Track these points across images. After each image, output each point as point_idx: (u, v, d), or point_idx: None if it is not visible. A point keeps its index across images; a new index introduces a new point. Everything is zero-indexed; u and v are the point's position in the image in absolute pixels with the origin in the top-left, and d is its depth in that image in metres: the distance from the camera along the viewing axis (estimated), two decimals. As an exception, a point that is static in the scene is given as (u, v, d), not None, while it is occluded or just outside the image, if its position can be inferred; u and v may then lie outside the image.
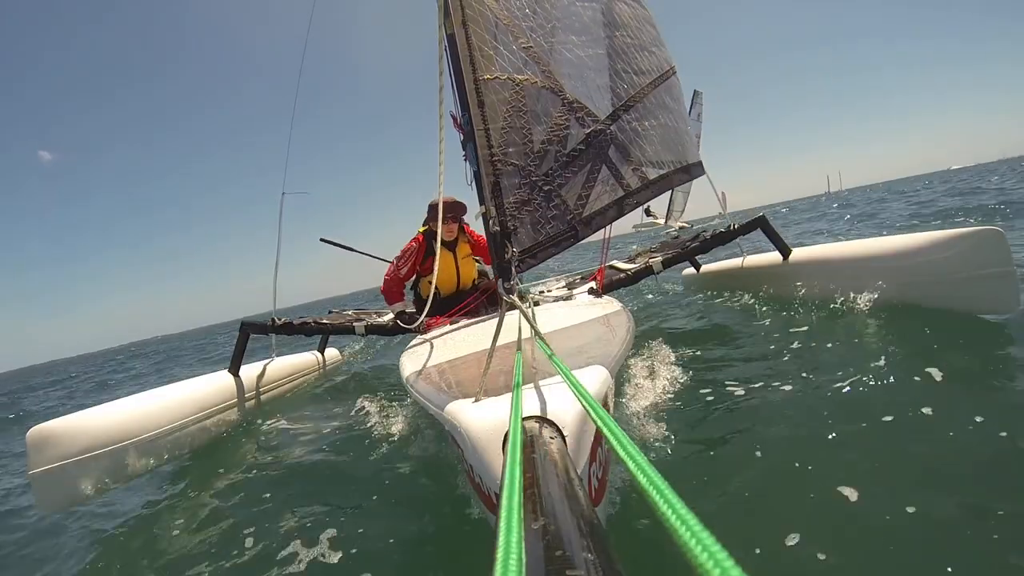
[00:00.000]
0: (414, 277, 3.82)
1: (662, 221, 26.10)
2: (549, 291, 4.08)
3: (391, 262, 3.82)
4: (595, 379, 1.21)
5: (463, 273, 3.91)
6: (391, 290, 3.73)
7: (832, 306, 3.19)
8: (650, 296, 5.83)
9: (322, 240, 4.79)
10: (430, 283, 3.82)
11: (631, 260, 4.72)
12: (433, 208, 3.42)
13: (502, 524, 0.49)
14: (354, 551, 1.84)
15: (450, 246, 3.83)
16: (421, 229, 3.74)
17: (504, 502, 0.53)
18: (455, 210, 3.60)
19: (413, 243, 3.72)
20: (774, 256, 3.74)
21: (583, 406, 0.80)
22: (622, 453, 0.57)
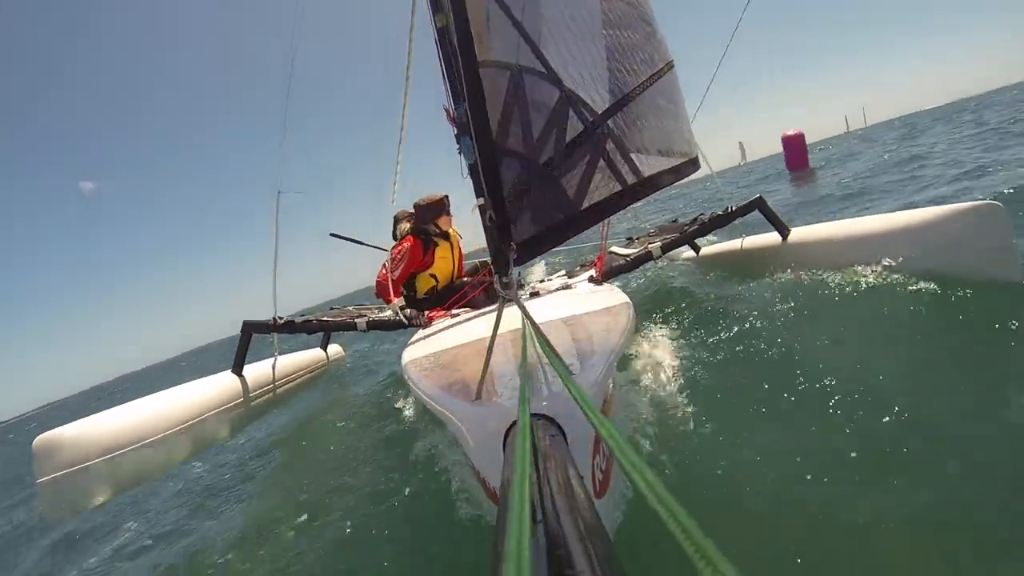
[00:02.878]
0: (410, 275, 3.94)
1: None
2: (549, 280, 4.08)
3: (383, 264, 3.93)
4: (595, 372, 1.21)
5: (458, 262, 4.13)
6: (385, 291, 3.83)
7: (832, 285, 3.19)
8: (649, 280, 5.83)
9: (332, 235, 4.84)
10: (432, 276, 3.88)
11: (629, 245, 4.70)
12: (419, 208, 3.85)
13: (511, 523, 0.49)
14: (359, 546, 1.86)
15: (445, 236, 4.01)
16: (404, 228, 3.96)
17: (513, 501, 0.53)
18: (445, 204, 3.88)
19: (406, 243, 3.83)
20: (773, 236, 3.72)
21: (578, 403, 0.79)
22: (616, 451, 0.57)
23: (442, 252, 3.96)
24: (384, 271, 3.86)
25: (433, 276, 3.96)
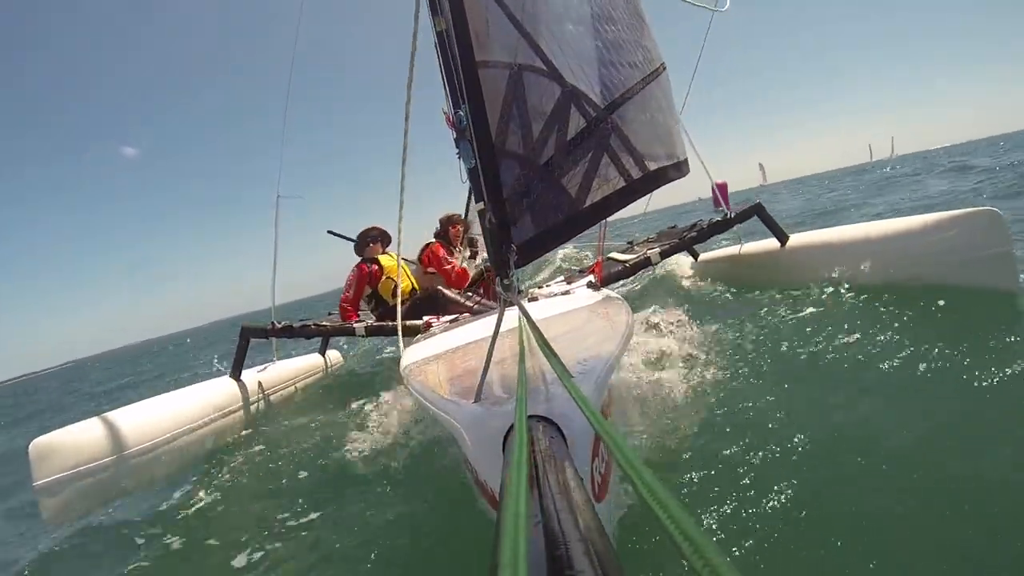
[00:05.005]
0: (370, 292, 4.37)
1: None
2: (548, 286, 4.08)
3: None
4: (595, 375, 1.20)
5: (413, 280, 4.56)
6: (347, 312, 4.21)
7: (830, 291, 3.19)
8: (648, 286, 5.83)
9: (329, 232, 4.96)
10: (389, 278, 4.28)
11: (628, 251, 4.71)
12: (363, 236, 4.40)
13: (507, 525, 0.48)
14: (359, 552, 1.84)
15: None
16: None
17: (510, 503, 0.52)
18: (366, 236, 4.37)
19: (355, 270, 4.31)
20: (772, 243, 3.73)
21: (579, 405, 0.79)
22: (616, 453, 0.56)
23: (387, 262, 4.35)
24: (344, 295, 4.27)
25: (390, 278, 4.30)
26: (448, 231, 4.78)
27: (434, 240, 4.69)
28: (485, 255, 5.91)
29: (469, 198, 6.40)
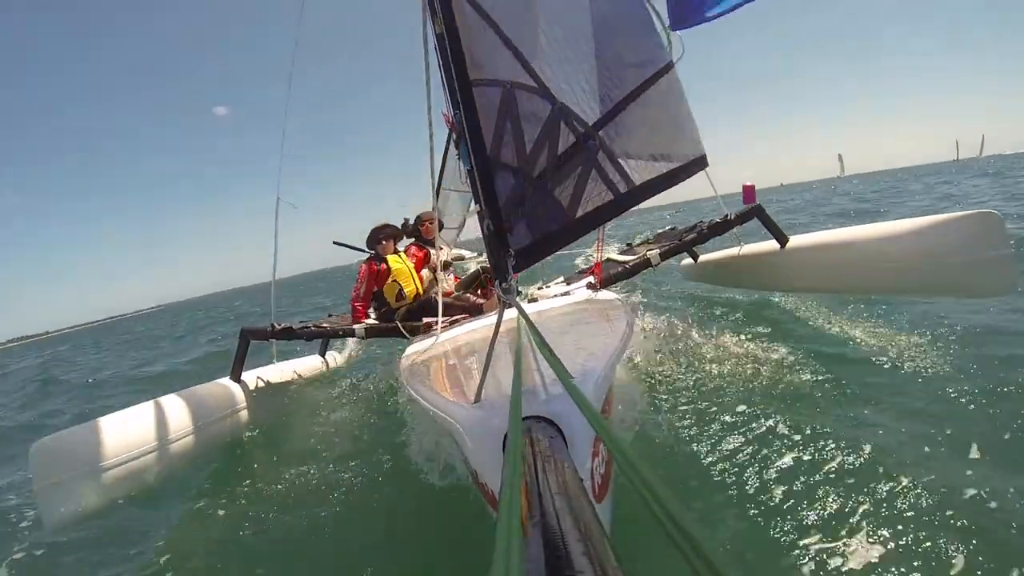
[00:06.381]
0: (375, 291, 4.27)
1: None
2: (548, 287, 4.08)
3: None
4: (594, 375, 1.21)
5: (418, 279, 4.45)
6: (357, 311, 4.15)
7: (830, 292, 3.19)
8: (648, 287, 5.83)
9: (335, 243, 4.97)
10: (394, 282, 4.22)
11: (627, 252, 4.70)
12: (376, 232, 4.26)
13: (501, 526, 0.49)
14: (359, 553, 1.85)
15: (395, 253, 4.41)
16: (366, 257, 4.34)
17: (503, 506, 0.53)
18: (378, 233, 4.26)
19: (365, 267, 4.23)
20: (772, 244, 3.73)
21: (578, 405, 0.79)
22: (616, 453, 0.56)
23: (395, 264, 4.29)
24: (354, 293, 4.19)
25: (396, 281, 4.25)
26: (418, 230, 4.74)
27: (411, 241, 4.66)
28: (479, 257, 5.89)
29: (442, 167, 6.44)
